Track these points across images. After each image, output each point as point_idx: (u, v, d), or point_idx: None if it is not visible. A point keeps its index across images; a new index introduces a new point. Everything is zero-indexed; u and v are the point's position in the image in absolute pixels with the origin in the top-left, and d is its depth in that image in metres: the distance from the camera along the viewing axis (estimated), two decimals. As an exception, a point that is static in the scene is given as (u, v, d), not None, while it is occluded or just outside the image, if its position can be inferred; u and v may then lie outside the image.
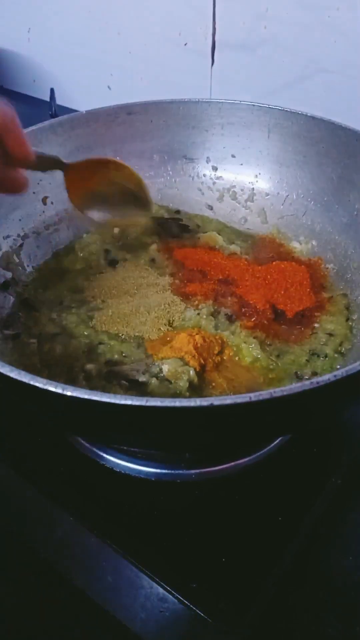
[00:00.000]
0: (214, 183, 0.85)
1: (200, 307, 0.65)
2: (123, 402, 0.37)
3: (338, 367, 0.61)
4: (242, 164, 0.84)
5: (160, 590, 0.49)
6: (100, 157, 0.68)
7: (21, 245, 0.73)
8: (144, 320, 0.63)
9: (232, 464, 0.57)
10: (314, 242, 0.76)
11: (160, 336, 0.62)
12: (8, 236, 0.72)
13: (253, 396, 0.38)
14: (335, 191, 0.75)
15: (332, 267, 0.72)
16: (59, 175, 0.78)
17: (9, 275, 0.70)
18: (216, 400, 0.37)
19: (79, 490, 0.56)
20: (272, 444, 0.59)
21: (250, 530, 0.53)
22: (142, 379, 0.57)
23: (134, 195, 0.67)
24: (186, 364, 0.57)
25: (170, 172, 0.86)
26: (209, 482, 0.57)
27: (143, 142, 0.83)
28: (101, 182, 0.66)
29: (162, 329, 0.63)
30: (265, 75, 1.05)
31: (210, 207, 0.85)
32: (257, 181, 0.83)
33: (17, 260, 0.72)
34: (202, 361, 0.58)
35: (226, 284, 0.69)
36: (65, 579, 0.54)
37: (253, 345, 0.61)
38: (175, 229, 0.80)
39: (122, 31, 1.21)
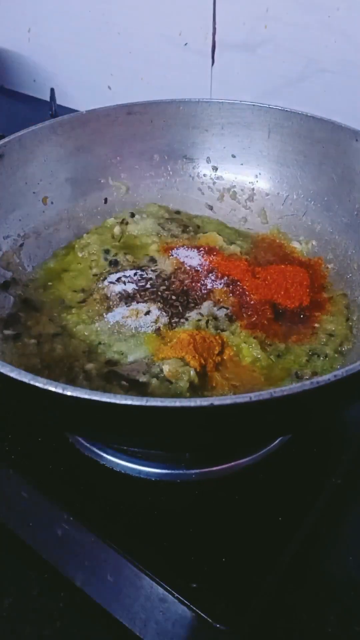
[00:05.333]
0: (214, 183, 0.85)
1: (200, 307, 0.65)
2: (123, 402, 0.37)
3: (338, 367, 0.61)
4: (242, 164, 0.84)
5: (160, 590, 0.49)
6: None
7: (21, 245, 0.73)
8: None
9: (232, 464, 0.57)
10: (314, 242, 0.76)
11: (161, 336, 0.62)
12: (8, 236, 0.72)
13: (253, 396, 0.38)
14: (335, 191, 0.75)
15: (332, 267, 0.72)
16: (59, 175, 0.79)
17: (9, 275, 0.70)
18: (216, 401, 0.37)
19: (79, 490, 0.56)
20: (272, 444, 0.59)
21: (250, 530, 0.53)
22: (142, 379, 0.57)
23: None
24: (186, 364, 0.57)
25: (170, 172, 0.86)
26: (209, 482, 0.57)
27: (143, 142, 0.83)
28: None
29: (162, 329, 0.63)
30: (266, 75, 1.05)
31: (211, 207, 0.85)
32: (257, 181, 0.83)
33: (18, 260, 0.72)
34: (202, 361, 0.58)
35: (226, 284, 0.69)
36: (65, 579, 0.54)
37: (253, 345, 0.61)
38: (175, 229, 0.80)
39: (122, 31, 1.21)
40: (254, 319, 0.65)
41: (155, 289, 0.68)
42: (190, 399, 0.44)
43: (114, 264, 0.74)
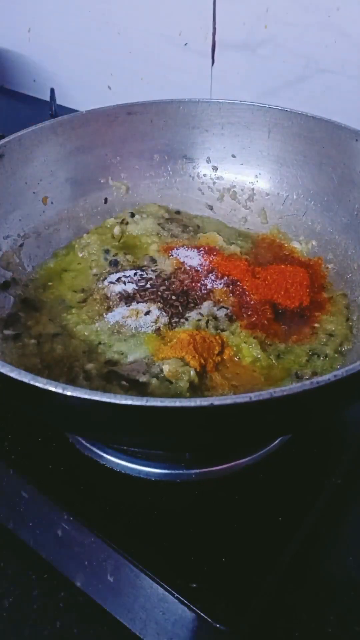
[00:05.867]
0: (214, 183, 0.85)
1: (200, 307, 0.65)
2: (123, 402, 0.37)
3: (338, 367, 0.61)
4: (242, 164, 0.84)
5: (160, 590, 0.49)
6: None
7: (21, 245, 0.73)
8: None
9: (232, 464, 0.57)
10: (314, 242, 0.76)
11: (161, 336, 0.62)
12: (8, 236, 0.72)
13: (253, 396, 0.38)
14: (335, 191, 0.75)
15: (332, 267, 0.72)
16: (59, 175, 0.79)
17: (9, 275, 0.70)
18: (216, 401, 0.37)
19: (79, 490, 0.56)
20: (272, 444, 0.59)
21: (250, 530, 0.53)
22: (142, 379, 0.57)
23: None
24: (186, 364, 0.57)
25: (170, 172, 0.86)
26: (209, 482, 0.57)
27: (143, 142, 0.83)
28: None
29: (162, 329, 0.63)
30: (266, 75, 1.05)
31: (211, 207, 0.85)
32: (257, 181, 0.83)
33: (18, 260, 0.72)
34: (202, 361, 0.58)
35: (226, 284, 0.69)
36: (65, 579, 0.54)
37: (253, 345, 0.61)
38: (175, 229, 0.80)
39: (122, 31, 1.21)
40: (254, 319, 0.65)
41: (155, 289, 0.68)
42: (190, 399, 0.44)
43: (114, 264, 0.74)
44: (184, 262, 0.72)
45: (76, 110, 0.89)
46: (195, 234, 0.79)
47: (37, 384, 0.39)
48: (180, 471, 0.57)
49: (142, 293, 0.67)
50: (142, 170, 0.85)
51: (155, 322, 0.63)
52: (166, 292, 0.67)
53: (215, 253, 0.74)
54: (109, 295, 0.68)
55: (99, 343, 0.62)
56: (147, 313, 0.64)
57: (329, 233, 0.75)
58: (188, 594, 0.48)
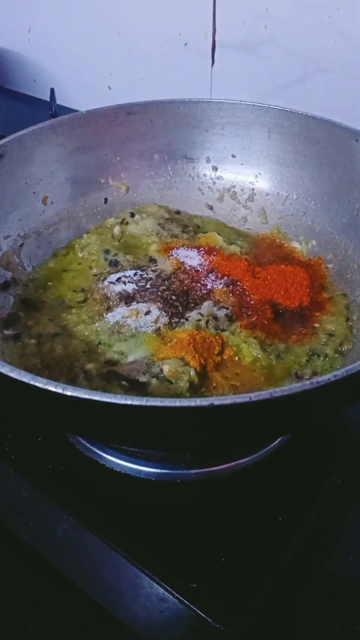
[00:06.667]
0: (214, 183, 0.85)
1: (200, 307, 0.65)
2: (123, 402, 0.37)
3: (338, 367, 0.61)
4: (242, 164, 0.84)
5: (160, 590, 0.49)
6: None
7: (21, 245, 0.73)
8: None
9: (232, 464, 0.57)
10: (314, 242, 0.76)
11: (161, 336, 0.62)
12: (8, 236, 0.72)
13: (253, 396, 0.38)
14: (335, 191, 0.75)
15: (332, 267, 0.73)
16: (59, 175, 0.79)
17: (9, 275, 0.70)
18: (216, 401, 0.37)
19: (79, 490, 0.56)
20: (272, 444, 0.59)
21: (250, 530, 0.53)
22: (142, 379, 0.57)
23: None
24: (186, 364, 0.57)
25: (170, 172, 0.86)
26: (209, 482, 0.57)
27: (143, 142, 0.83)
28: None
29: (162, 329, 0.63)
30: (266, 75, 1.05)
31: (211, 207, 0.85)
32: (257, 181, 0.83)
33: (18, 260, 0.72)
34: (202, 361, 0.58)
35: (226, 284, 0.69)
36: (65, 579, 0.54)
37: (253, 345, 0.61)
38: (175, 229, 0.80)
39: (122, 31, 1.21)
40: (254, 319, 0.65)
41: (155, 289, 0.68)
42: (190, 399, 0.44)
43: (114, 264, 0.74)
44: (184, 262, 0.72)
45: (76, 110, 0.89)
46: (195, 234, 0.79)
47: (37, 384, 0.39)
48: (180, 471, 0.57)
49: (142, 293, 0.67)
50: (142, 170, 0.85)
51: (155, 322, 0.63)
52: (166, 292, 0.67)
53: (215, 253, 0.74)
54: (109, 295, 0.68)
55: (99, 343, 0.62)
56: (147, 313, 0.64)
57: (329, 233, 0.75)
58: (188, 594, 0.48)
